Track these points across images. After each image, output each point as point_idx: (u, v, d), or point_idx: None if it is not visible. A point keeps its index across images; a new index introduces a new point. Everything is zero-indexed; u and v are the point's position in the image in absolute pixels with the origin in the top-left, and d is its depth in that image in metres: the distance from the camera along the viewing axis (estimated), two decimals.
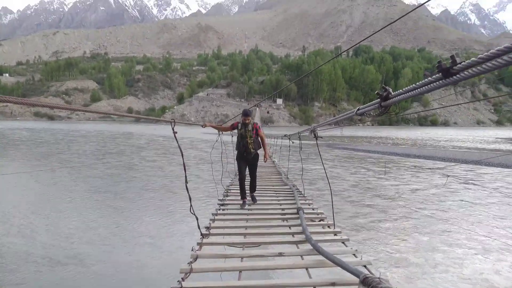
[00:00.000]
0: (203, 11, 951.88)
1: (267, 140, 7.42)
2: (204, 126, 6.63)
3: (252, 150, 6.48)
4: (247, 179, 6.70)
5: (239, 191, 6.61)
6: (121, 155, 30.86)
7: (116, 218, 11.79)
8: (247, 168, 6.71)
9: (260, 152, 6.52)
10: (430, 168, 23.72)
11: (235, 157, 6.77)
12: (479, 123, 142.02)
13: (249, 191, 6.70)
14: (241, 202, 6.40)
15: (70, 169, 21.69)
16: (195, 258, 3.69)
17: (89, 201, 14.06)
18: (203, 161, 26.43)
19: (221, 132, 7.71)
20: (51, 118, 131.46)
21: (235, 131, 6.73)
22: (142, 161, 26.76)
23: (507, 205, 13.86)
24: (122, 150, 35.33)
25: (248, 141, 6.43)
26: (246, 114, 6.50)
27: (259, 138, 6.65)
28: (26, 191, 15.98)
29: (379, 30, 4.34)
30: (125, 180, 18.75)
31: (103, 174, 20.31)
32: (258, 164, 6.77)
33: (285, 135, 11.53)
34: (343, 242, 4.41)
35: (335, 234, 4.73)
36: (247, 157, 6.55)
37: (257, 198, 6.94)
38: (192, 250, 3.87)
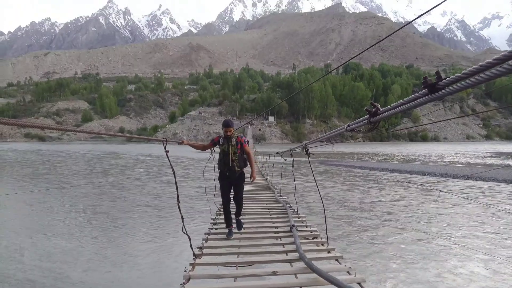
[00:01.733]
0: (194, 31, 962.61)
1: (255, 157, 7.02)
2: (181, 143, 5.76)
3: (236, 168, 5.53)
4: (233, 203, 5.82)
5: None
6: (107, 174, 30.65)
7: (102, 239, 11.51)
8: (232, 190, 5.79)
9: (247, 170, 5.75)
10: (421, 184, 23.83)
11: (218, 178, 5.76)
12: (469, 138, 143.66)
13: (234, 216, 5.80)
14: (226, 230, 5.53)
15: (54, 190, 21.39)
16: (188, 278, 3.65)
17: (74, 221, 13.80)
18: (187, 178, 26.34)
19: (213, 150, 6.83)
20: (41, 139, 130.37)
21: (217, 147, 5.80)
22: (127, 180, 26.66)
23: (496, 218, 13.94)
24: (108, 169, 35.14)
25: (231, 157, 5.49)
26: (227, 124, 5.54)
27: (244, 154, 5.73)
28: (8, 212, 15.70)
29: (368, 48, 4.43)
30: (111, 199, 18.50)
31: (88, 194, 20.03)
32: (250, 182, 5.90)
33: (277, 152, 11.55)
34: (337, 260, 4.39)
35: (329, 252, 4.71)
36: (230, 177, 5.60)
37: (249, 216, 6.81)
38: (185, 270, 3.82)
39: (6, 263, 9.29)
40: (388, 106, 2.09)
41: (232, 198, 5.81)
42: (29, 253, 9.99)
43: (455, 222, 13.51)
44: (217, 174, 5.80)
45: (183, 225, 4.08)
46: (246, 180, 5.86)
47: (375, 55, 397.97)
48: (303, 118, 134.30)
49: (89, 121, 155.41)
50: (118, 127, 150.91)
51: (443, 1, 3.14)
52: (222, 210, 6.15)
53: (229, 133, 5.53)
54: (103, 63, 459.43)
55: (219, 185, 5.74)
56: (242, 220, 5.92)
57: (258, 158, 29.37)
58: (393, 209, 15.98)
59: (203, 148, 6.01)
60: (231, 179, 5.63)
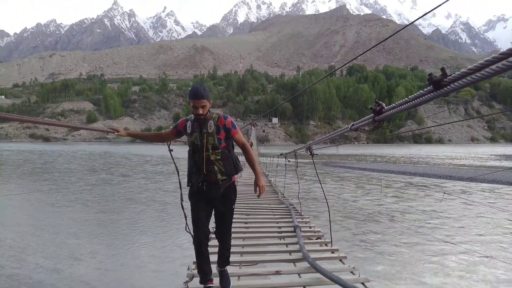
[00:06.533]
0: (199, 33, 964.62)
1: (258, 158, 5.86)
2: (116, 132, 3.51)
3: (219, 177, 3.02)
4: (212, 241, 3.67)
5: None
6: (96, 172, 30.93)
7: (99, 238, 11.36)
8: (213, 217, 3.32)
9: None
10: (425, 186, 23.73)
11: (188, 194, 3.24)
12: (474, 140, 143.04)
13: (216, 264, 3.47)
14: None
15: (42, 189, 21.45)
16: (191, 277, 3.64)
17: (72, 219, 13.81)
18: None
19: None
20: (46, 139, 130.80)
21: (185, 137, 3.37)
22: (117, 177, 27.17)
23: (501, 219, 13.85)
24: (99, 167, 35.74)
25: (208, 157, 3.00)
26: (195, 94, 2.92)
27: (232, 148, 3.23)
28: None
29: (371, 48, 4.43)
30: (104, 197, 18.48)
31: (81, 191, 20.02)
32: (257, 197, 3.27)
33: (281, 154, 11.54)
34: (340, 260, 4.37)
35: (333, 252, 4.69)
36: (209, 194, 3.08)
37: (253, 216, 6.70)
38: (188, 269, 3.81)
39: (12, 262, 9.30)
40: (393, 104, 2.05)
41: (214, 231, 3.54)
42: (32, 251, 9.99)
43: (460, 223, 13.43)
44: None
45: (186, 223, 4.06)
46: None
47: (379, 57, 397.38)
48: (307, 119, 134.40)
49: (94, 122, 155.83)
50: (122, 128, 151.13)
51: (446, 1, 3.12)
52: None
53: (201, 112, 3.00)
54: (108, 65, 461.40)
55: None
56: (246, 220, 5.47)
57: (261, 160, 29.23)
58: (397, 211, 15.90)
59: (157, 138, 3.67)
60: (211, 198, 3.13)
